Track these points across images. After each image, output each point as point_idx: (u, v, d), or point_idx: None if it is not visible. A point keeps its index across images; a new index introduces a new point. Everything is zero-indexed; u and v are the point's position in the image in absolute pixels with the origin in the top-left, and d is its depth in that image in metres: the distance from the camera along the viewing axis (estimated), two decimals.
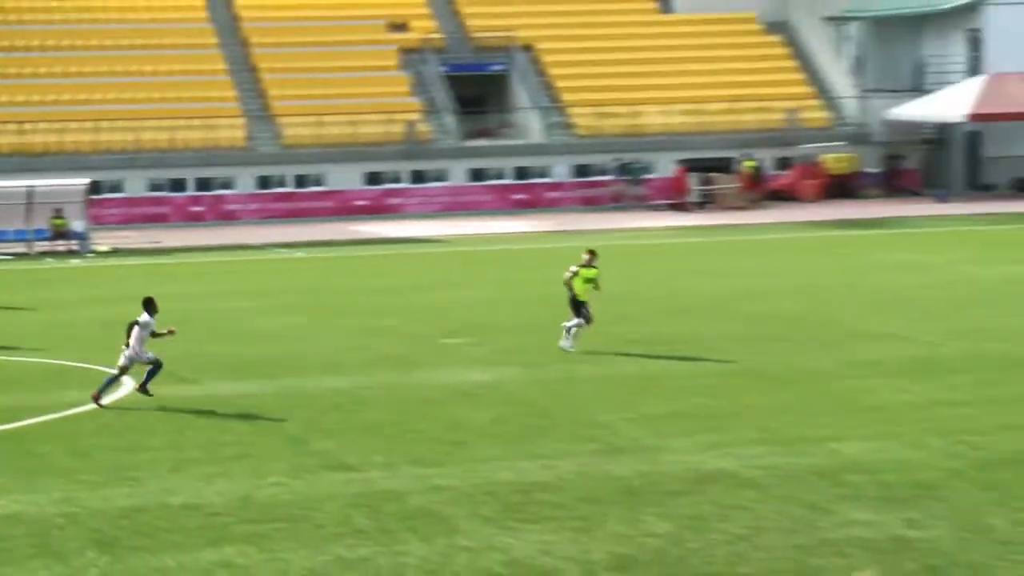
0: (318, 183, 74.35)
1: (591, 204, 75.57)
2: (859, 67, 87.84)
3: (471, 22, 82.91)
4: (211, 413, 29.34)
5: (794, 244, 60.76)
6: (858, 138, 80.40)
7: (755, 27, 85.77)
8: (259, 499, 23.15)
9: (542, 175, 76.90)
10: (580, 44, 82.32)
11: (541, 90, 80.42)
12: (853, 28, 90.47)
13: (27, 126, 72.28)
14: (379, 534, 21.28)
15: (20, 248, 61.86)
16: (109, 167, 71.18)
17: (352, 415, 29.17)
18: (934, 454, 25.07)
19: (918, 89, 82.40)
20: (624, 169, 76.70)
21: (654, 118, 79.32)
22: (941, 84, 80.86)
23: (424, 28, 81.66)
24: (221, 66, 77.65)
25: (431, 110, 77.74)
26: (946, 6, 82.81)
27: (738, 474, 24.15)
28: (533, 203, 75.47)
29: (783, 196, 76.79)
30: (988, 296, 43.65)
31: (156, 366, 30.16)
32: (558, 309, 42.29)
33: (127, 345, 30.09)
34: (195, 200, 72.78)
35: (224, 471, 24.86)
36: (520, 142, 78.49)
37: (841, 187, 78.03)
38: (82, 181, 63.98)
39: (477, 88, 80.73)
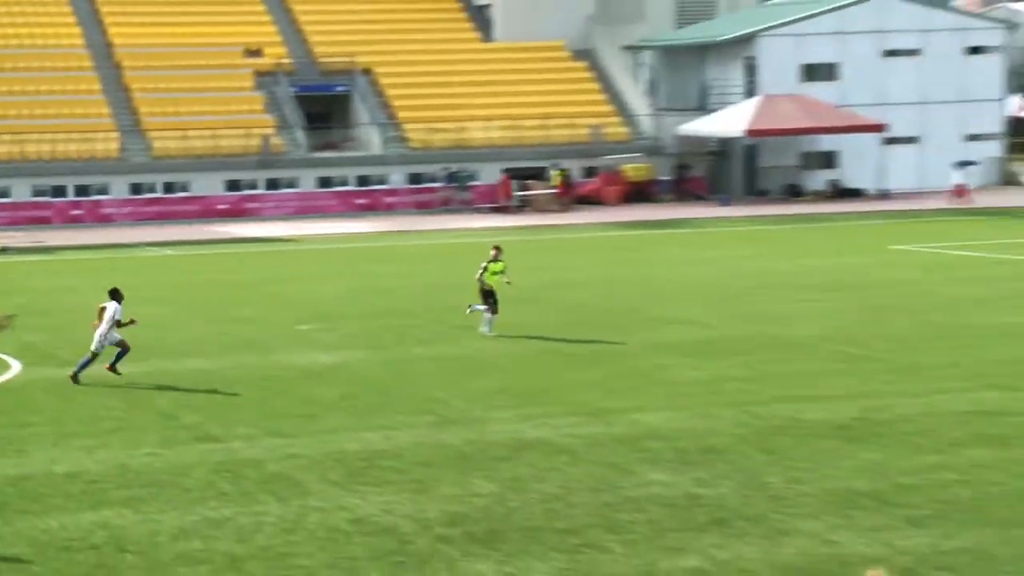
0: (184, 189, 73.68)
1: (423, 207, 75.63)
2: (653, 89, 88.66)
3: (318, 49, 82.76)
4: (90, 392, 28.91)
5: (600, 242, 61.13)
6: (653, 150, 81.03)
7: (564, 54, 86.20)
8: (134, 467, 22.86)
9: (380, 182, 76.81)
10: (413, 68, 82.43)
11: (379, 108, 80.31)
12: (647, 56, 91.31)
13: None
14: (240, 496, 21.09)
15: None
16: None
17: (216, 393, 28.88)
18: (721, 423, 25.28)
19: (703, 108, 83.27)
20: (452, 177, 76.91)
21: (477, 133, 79.60)
22: (723, 104, 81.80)
23: (276, 54, 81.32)
24: (97, 86, 76.67)
25: (283, 125, 77.34)
26: (726, 37, 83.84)
27: (553, 441, 24.19)
28: (373, 207, 75.37)
29: (590, 200, 77.20)
30: (764, 286, 44.12)
31: (124, 349, 29.86)
32: (398, 300, 42.38)
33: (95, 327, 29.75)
34: (75, 205, 71.70)
35: (103, 443, 24.52)
36: (361, 153, 78.38)
37: (639, 193, 78.62)
38: None
39: (323, 106, 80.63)
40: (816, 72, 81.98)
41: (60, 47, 78.98)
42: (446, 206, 75.82)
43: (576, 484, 21.49)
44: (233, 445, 24.33)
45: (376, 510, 20.31)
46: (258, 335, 35.91)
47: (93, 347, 29.76)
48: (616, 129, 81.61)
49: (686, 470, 22.13)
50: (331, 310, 40.62)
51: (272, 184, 75.06)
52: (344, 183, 76.30)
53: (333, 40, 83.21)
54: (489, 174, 77.46)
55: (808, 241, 59.05)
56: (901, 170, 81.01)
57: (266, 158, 74.92)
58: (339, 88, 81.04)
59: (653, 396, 27.73)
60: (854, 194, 79.32)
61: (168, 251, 59.66)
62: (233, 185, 74.31)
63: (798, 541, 18.48)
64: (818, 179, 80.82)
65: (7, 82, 75.31)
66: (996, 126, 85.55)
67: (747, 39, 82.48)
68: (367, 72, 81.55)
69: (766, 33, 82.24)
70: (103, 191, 72.48)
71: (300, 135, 77.41)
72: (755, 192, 79.78)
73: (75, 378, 29.60)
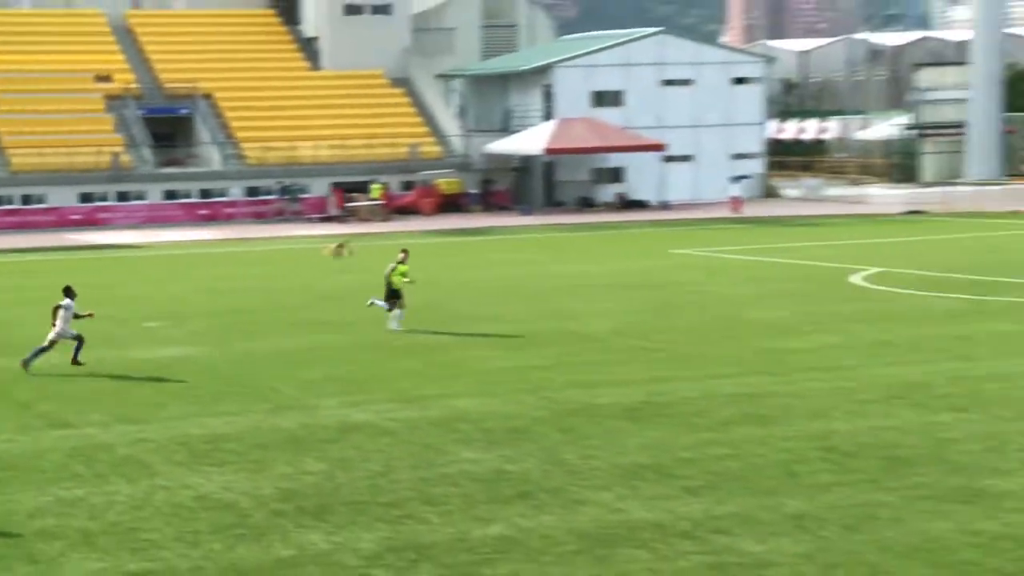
0: (41, 201, 72.24)
1: (260, 217, 75.08)
2: (462, 113, 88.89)
3: (163, 75, 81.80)
4: None
5: (418, 248, 60.60)
6: (463, 166, 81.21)
7: (384, 82, 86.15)
8: None
9: (221, 195, 76.09)
10: (249, 93, 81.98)
11: (219, 128, 79.53)
12: (457, 83, 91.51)
13: None
14: (93, 478, 20.65)
15: None
16: None
17: (70, 384, 28.27)
18: (525, 406, 25.34)
19: (507, 129, 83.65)
20: (285, 190, 76.48)
21: (307, 151, 79.25)
22: (524, 126, 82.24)
23: (125, 79, 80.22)
24: None
25: (131, 144, 76.18)
26: (526, 68, 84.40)
27: (376, 424, 24.07)
28: (214, 217, 74.60)
29: (408, 211, 77.19)
30: (563, 286, 44.37)
31: (80, 341, 29.59)
32: (238, 299, 41.89)
33: (54, 325, 29.49)
34: None
35: None
36: (203, 169, 77.64)
37: (451, 204, 78.75)
38: None
39: (168, 127, 79.69)
40: (604, 98, 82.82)
41: None
42: (280, 216, 75.42)
43: (397, 462, 21.39)
44: (87, 431, 23.82)
45: (217, 488, 20.01)
46: (111, 332, 35.19)
47: (49, 337, 29.62)
48: (431, 148, 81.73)
49: (494, 448, 22.14)
50: (177, 309, 40.00)
51: (122, 196, 73.90)
52: (188, 196, 75.53)
53: (177, 68, 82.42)
54: (319, 188, 77.38)
55: (600, 247, 59.51)
56: (679, 184, 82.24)
57: (116, 173, 73.76)
58: (182, 111, 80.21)
59: (465, 383, 27.71)
60: (639, 205, 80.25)
61: (29, 257, 58.28)
62: (86, 197, 73.00)
63: (592, 510, 18.57)
64: (607, 192, 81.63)
65: None
66: (758, 146, 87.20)
67: (545, 69, 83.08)
68: (208, 97, 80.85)
69: (561, 64, 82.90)
70: None
71: (147, 152, 76.39)
72: (553, 203, 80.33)
73: (26, 365, 29.30)
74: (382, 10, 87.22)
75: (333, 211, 75.48)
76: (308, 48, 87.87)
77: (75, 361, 29.92)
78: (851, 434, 22.41)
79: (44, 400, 26.55)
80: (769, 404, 24.96)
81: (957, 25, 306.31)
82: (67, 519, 18.58)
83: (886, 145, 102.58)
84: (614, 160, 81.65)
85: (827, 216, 72.04)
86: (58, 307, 29.74)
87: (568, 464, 21.04)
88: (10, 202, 71.64)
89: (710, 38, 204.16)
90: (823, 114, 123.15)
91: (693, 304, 39.04)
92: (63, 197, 72.48)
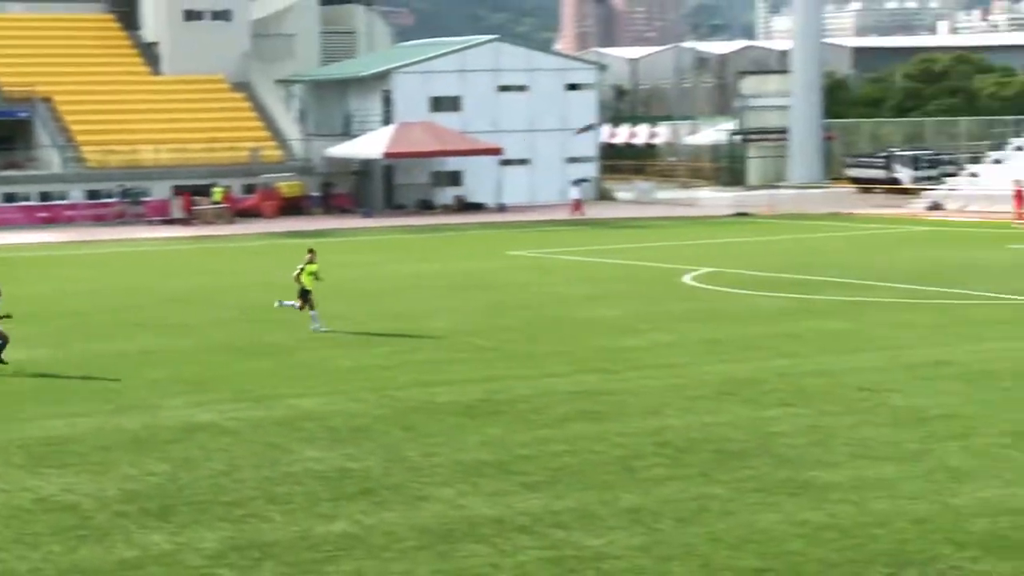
0: None
1: (100, 220, 73.84)
2: (303, 117, 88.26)
3: (1, 78, 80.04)
4: None
5: (258, 250, 60.41)
6: (304, 170, 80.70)
7: (225, 86, 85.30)
8: None
9: (61, 198, 74.81)
10: (90, 97, 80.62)
11: (59, 132, 78.08)
12: (298, 88, 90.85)
13: None
14: None
15: None
16: None
17: None
18: (367, 405, 25.17)
19: (347, 134, 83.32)
20: (126, 193, 75.40)
21: (149, 154, 78.20)
22: (364, 130, 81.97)
23: None
24: None
25: None
26: (366, 73, 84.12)
27: (220, 425, 23.72)
28: (54, 220, 73.22)
29: (250, 214, 76.44)
30: (403, 286, 44.24)
31: (4, 340, 28.99)
32: (80, 302, 41.05)
33: None
34: None
35: None
36: (43, 172, 76.30)
37: (293, 207, 78.17)
38: None
39: (8, 130, 78.19)
40: (442, 103, 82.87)
41: None
42: (121, 219, 74.26)
43: (241, 462, 21.09)
44: None
45: (58, 490, 19.54)
46: None
47: None
48: (272, 152, 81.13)
49: (337, 447, 21.94)
50: (18, 311, 38.93)
51: None
52: (27, 198, 74.18)
53: (15, 71, 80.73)
54: (160, 191, 76.39)
55: (439, 248, 59.44)
56: (515, 187, 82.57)
57: None
58: (21, 114, 78.71)
59: (308, 383, 27.43)
60: (477, 207, 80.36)
61: None
62: None
63: (434, 506, 18.48)
64: (446, 195, 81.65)
65: None
66: (592, 151, 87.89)
67: (384, 75, 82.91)
68: (47, 100, 79.36)
69: (400, 70, 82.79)
70: None
71: None
72: (393, 206, 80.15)
73: None
74: (222, 16, 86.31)
75: (178, 214, 74.54)
76: (148, 53, 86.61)
77: None
78: (684, 429, 22.62)
79: None
80: (604, 401, 25.08)
81: (779, 35, 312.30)
82: None
83: (713, 149, 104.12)
84: (452, 164, 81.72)
85: (659, 218, 72.82)
86: None
87: (410, 461, 20.92)
88: None
89: (544, 46, 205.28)
90: (653, 119, 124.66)
91: (530, 304, 39.13)
92: None
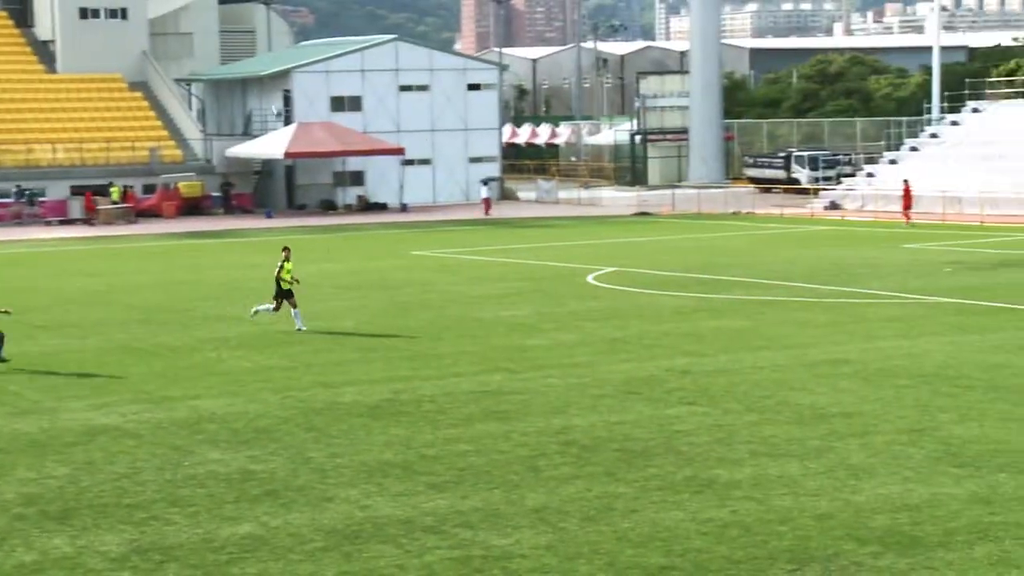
0: None
1: None
2: (202, 117, 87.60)
3: None
4: None
5: (158, 250, 59.84)
6: (204, 170, 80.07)
7: (122, 85, 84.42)
8: None
9: None
10: None
11: None
12: (197, 88, 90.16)
13: None
14: None
15: None
16: None
17: None
18: (270, 406, 25.00)
19: (247, 133, 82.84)
20: (22, 194, 74.29)
21: (45, 154, 77.20)
22: (264, 130, 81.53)
23: None
24: None
25: None
26: (265, 73, 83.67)
27: (121, 427, 23.45)
28: None
29: (149, 214, 75.75)
30: (306, 286, 43.82)
31: (0, 338, 28.85)
32: None
33: None
34: None
35: None
36: None
37: (193, 207, 77.59)
38: None
39: None
40: (343, 103, 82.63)
41: None
42: (17, 220, 73.20)
43: (143, 464, 20.86)
44: None
45: None
46: None
47: None
48: (171, 151, 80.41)
49: (240, 448, 21.78)
50: None
51: None
52: None
53: None
54: (57, 191, 75.39)
55: (342, 248, 59.22)
56: (417, 187, 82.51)
57: None
58: None
59: (210, 384, 27.20)
60: (380, 207, 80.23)
61: None
62: None
63: (339, 507, 18.40)
64: (349, 195, 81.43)
65: None
66: (494, 150, 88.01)
67: (284, 74, 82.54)
68: None
69: (300, 70, 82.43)
70: None
71: None
72: (295, 206, 79.82)
73: None
74: (117, 14, 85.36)
75: (78, 214, 73.67)
76: (43, 51, 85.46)
77: None
78: (589, 428, 22.69)
79: None
80: (509, 401, 25.11)
81: (678, 36, 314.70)
82: None
83: (614, 149, 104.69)
84: (354, 163, 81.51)
85: (561, 218, 73.07)
86: None
87: (314, 462, 20.81)
88: None
89: (444, 46, 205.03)
90: (555, 119, 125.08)
91: (434, 304, 39.09)
92: None
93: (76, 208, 74.40)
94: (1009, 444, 21.00)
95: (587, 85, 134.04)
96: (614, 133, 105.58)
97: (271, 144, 78.17)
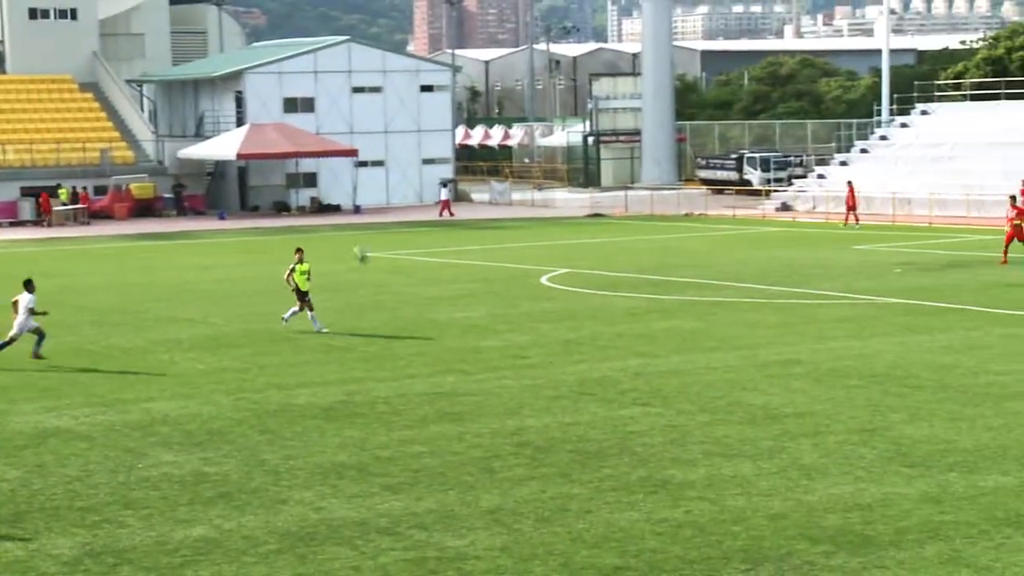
0: None
1: None
2: (154, 118, 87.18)
3: None
4: None
5: (110, 252, 59.50)
6: (156, 171, 79.68)
7: (73, 86, 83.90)
8: None
9: None
10: None
11: None
12: (148, 89, 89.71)
13: None
14: None
15: None
16: None
17: None
18: (223, 408, 24.90)
19: (200, 135, 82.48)
20: None
21: None
22: (217, 131, 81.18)
23: None
24: None
25: None
26: (218, 74, 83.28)
27: (73, 430, 23.30)
28: None
29: (101, 215, 75.33)
30: (258, 288, 43.87)
31: (40, 335, 29.15)
32: None
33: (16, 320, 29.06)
34: None
35: None
36: None
37: (145, 209, 77.24)
38: None
39: None
40: (296, 104, 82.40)
41: None
42: None
43: (95, 467, 20.74)
44: None
45: None
46: None
47: (12, 333, 29.16)
48: (123, 153, 79.99)
49: (194, 451, 21.68)
50: None
51: None
52: None
53: None
54: (7, 192, 74.81)
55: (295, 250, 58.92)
56: (370, 189, 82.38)
57: None
58: None
59: (163, 387, 27.07)
60: (333, 209, 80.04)
61: None
62: None
63: (293, 509, 18.34)
64: (302, 196, 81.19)
65: None
66: (448, 152, 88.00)
67: (236, 75, 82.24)
68: None
69: (253, 71, 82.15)
70: None
71: None
72: (248, 208, 79.55)
73: None
74: (67, 15, 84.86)
75: (28, 215, 73.23)
76: None
77: (36, 355, 29.53)
78: (543, 430, 22.71)
79: None
80: (463, 402, 25.10)
81: (630, 38, 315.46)
82: None
83: (567, 151, 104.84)
84: (307, 165, 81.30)
85: (515, 219, 73.11)
86: (16, 302, 29.47)
87: (268, 464, 20.74)
88: None
89: (397, 47, 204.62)
90: (508, 121, 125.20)
91: (387, 305, 39.04)
92: None
93: (27, 209, 73.88)
94: (958, 443, 21.16)
95: (540, 87, 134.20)
96: (567, 135, 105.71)
97: (223, 145, 77.86)
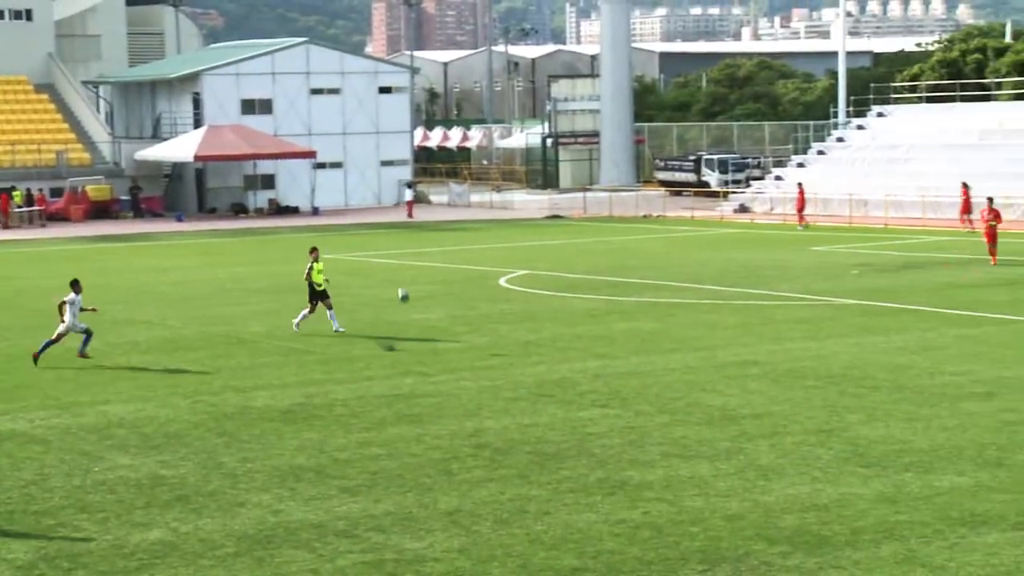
0: None
1: None
2: (111, 120, 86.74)
3: None
4: None
5: (67, 254, 59.14)
6: (113, 173, 79.31)
7: (27, 87, 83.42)
8: None
9: None
10: None
11: None
12: (105, 90, 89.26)
13: None
14: None
15: None
16: None
17: None
18: (180, 411, 24.79)
19: (157, 136, 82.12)
20: None
21: None
22: (174, 133, 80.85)
23: None
24: None
25: None
26: (175, 75, 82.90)
27: (28, 433, 23.15)
28: None
29: (58, 217, 74.91)
30: (214, 291, 43.71)
31: (88, 334, 29.32)
32: None
33: (63, 320, 29.21)
34: None
35: None
36: None
37: (102, 210, 76.88)
38: None
39: None
40: (254, 106, 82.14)
41: None
42: None
43: (51, 470, 20.60)
44: None
45: None
46: None
47: (59, 330, 29.41)
48: (79, 154, 79.55)
49: (151, 454, 21.57)
50: None
51: None
52: None
53: None
54: None
55: (253, 252, 58.86)
56: (329, 190, 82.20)
57: None
58: None
59: (119, 389, 26.92)
60: (291, 211, 79.83)
61: None
62: None
63: (251, 512, 18.28)
64: (260, 198, 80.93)
65: None
66: (406, 153, 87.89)
67: (193, 77, 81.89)
68: None
69: (210, 72, 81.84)
70: None
71: None
72: (206, 209, 79.26)
73: (36, 358, 29.16)
74: (22, 15, 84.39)
75: (5, 218, 72.67)
76: None
77: (82, 354, 29.68)
78: (501, 431, 22.71)
79: None
80: (422, 404, 25.08)
81: (588, 39, 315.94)
82: None
83: (526, 152, 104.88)
84: (265, 167, 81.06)
85: (474, 221, 73.10)
86: (64, 302, 29.64)
87: (226, 467, 20.66)
88: None
89: (355, 49, 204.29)
90: (466, 122, 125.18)
91: (346, 307, 38.87)
92: None
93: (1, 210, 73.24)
94: (914, 444, 21.28)
95: (498, 88, 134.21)
96: (525, 136, 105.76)
97: (181, 147, 77.55)
